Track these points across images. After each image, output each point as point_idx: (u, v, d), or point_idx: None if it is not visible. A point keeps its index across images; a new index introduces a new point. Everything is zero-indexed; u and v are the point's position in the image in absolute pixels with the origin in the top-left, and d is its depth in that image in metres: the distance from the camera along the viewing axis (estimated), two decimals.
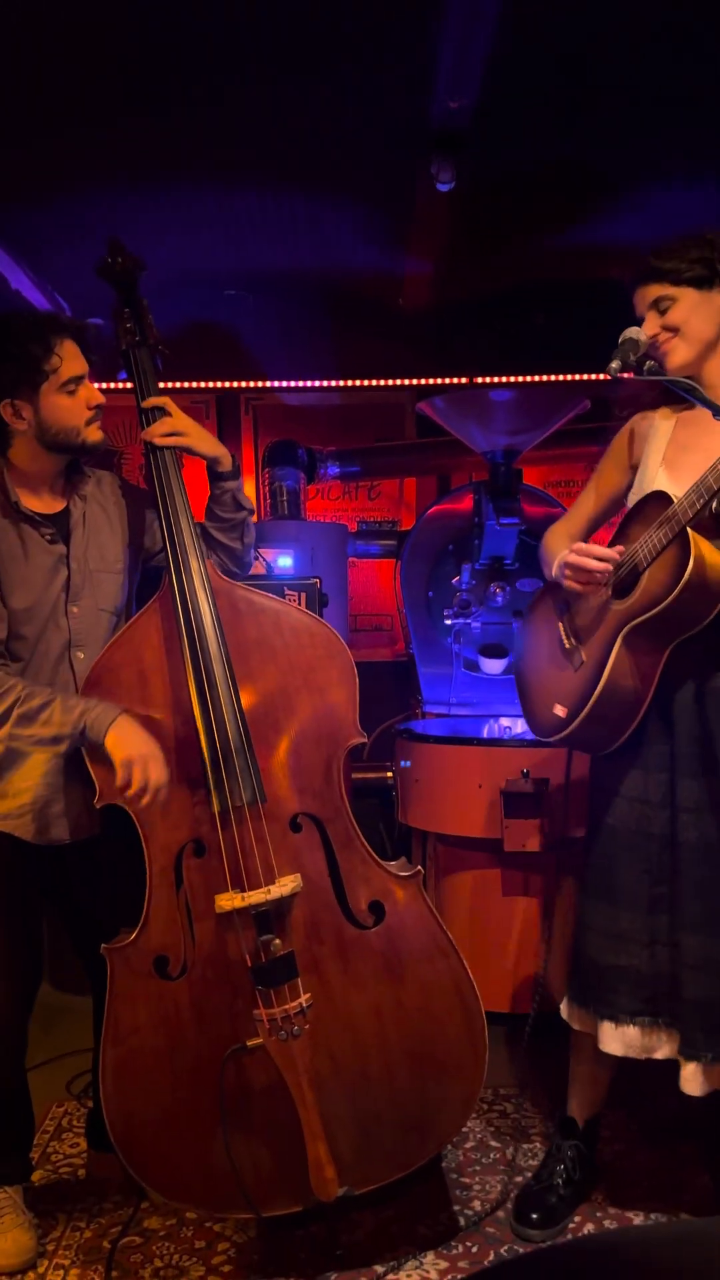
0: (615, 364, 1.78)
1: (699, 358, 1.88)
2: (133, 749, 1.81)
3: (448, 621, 3.47)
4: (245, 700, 1.89)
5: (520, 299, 4.00)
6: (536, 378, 4.06)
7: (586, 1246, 0.69)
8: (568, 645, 1.98)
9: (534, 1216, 2.01)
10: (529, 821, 2.67)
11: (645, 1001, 1.89)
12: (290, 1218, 1.90)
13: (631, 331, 1.84)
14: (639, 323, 1.90)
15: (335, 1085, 1.83)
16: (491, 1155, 2.29)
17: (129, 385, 2.09)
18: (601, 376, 2.53)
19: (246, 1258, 1.96)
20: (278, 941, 1.78)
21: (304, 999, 1.80)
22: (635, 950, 1.89)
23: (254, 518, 2.21)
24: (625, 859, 1.90)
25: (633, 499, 1.95)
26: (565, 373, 4.07)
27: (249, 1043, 1.79)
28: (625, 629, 1.81)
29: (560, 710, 1.92)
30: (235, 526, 2.13)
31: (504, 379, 4.04)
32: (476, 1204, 2.11)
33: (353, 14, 2.23)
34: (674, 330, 1.87)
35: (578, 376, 4.06)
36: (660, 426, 1.98)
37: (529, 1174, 2.16)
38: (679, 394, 1.88)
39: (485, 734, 3.28)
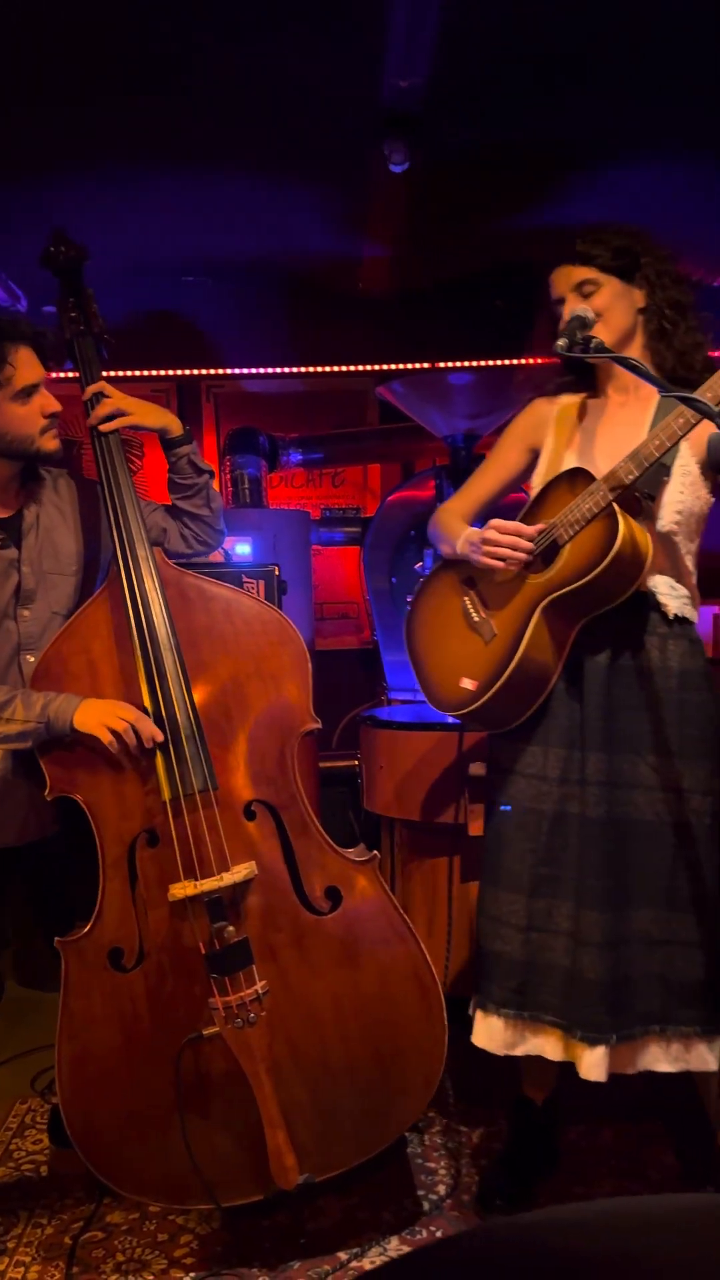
0: (563, 342, 1.77)
1: (615, 347, 1.87)
2: (105, 713, 1.81)
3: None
4: (196, 688, 1.87)
5: (480, 282, 3.99)
6: (497, 361, 4.04)
7: (536, 1223, 0.68)
8: (476, 618, 1.95)
9: (497, 1200, 2.01)
10: None
11: (514, 991, 1.87)
12: (254, 1206, 1.89)
13: (579, 309, 1.83)
14: (557, 303, 1.91)
15: (293, 1072, 1.82)
16: (457, 1139, 2.29)
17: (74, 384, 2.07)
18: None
19: (209, 1249, 1.95)
20: (231, 928, 1.77)
21: (260, 986, 1.79)
22: (509, 934, 1.88)
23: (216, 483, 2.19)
24: (512, 837, 1.90)
25: (538, 480, 1.95)
26: (525, 356, 4.06)
27: (205, 1031, 1.78)
28: (544, 601, 1.81)
29: (469, 683, 1.90)
30: (199, 491, 2.11)
31: (465, 363, 4.02)
32: (441, 1188, 2.11)
33: None
34: (596, 316, 1.86)
35: (538, 360, 4.06)
36: (564, 411, 1.99)
37: (494, 1157, 2.16)
38: (582, 382, 1.96)
39: (449, 719, 3.27)
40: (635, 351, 1.89)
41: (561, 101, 2.75)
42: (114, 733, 1.79)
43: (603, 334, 1.85)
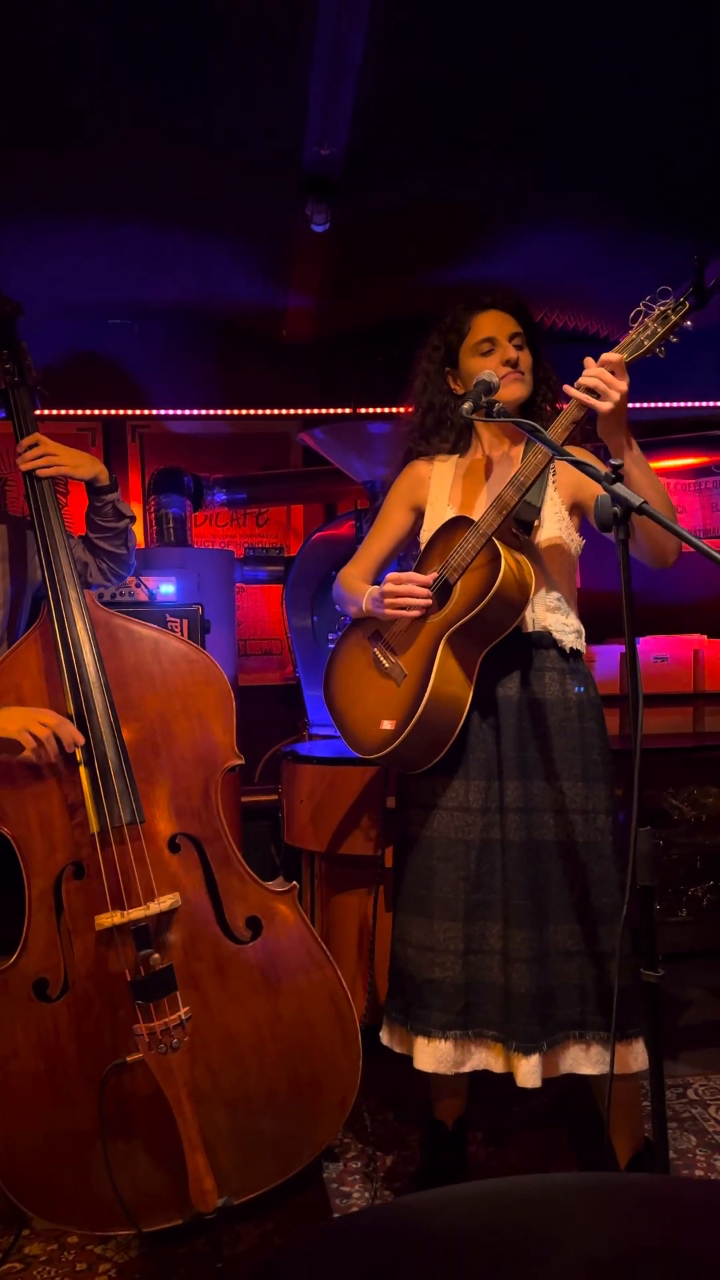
0: (468, 405, 1.90)
1: (519, 406, 2.05)
2: (27, 719, 1.86)
3: (332, 645, 3.56)
4: (124, 726, 1.94)
5: (401, 331, 4.13)
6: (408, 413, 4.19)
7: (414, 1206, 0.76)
8: (386, 664, 2.07)
9: None
10: None
11: (458, 1014, 1.96)
12: (172, 1233, 1.93)
13: (485, 374, 1.98)
14: (458, 335, 2.08)
15: (213, 1096, 1.88)
16: (372, 1164, 2.36)
17: (7, 420, 2.13)
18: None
19: (128, 1278, 1.98)
20: (156, 955, 1.83)
21: (183, 1012, 1.85)
22: (449, 961, 1.97)
23: (139, 543, 2.29)
24: (442, 869, 2.00)
25: (425, 535, 2.10)
26: (400, 420, 4.23)
27: (129, 1058, 1.83)
28: (447, 633, 1.94)
29: (388, 724, 2.00)
30: (119, 534, 2.22)
31: (385, 409, 4.17)
32: (356, 1211, 2.17)
33: (222, 58, 2.32)
34: (521, 371, 2.03)
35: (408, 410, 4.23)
36: (440, 470, 2.14)
37: (407, 1179, 2.24)
38: (459, 442, 2.16)
39: None
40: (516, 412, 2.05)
41: (474, 165, 2.91)
42: (36, 739, 1.84)
43: (522, 387, 2.03)
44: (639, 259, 3.54)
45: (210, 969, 1.91)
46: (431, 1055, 1.97)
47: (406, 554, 2.28)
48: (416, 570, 2.05)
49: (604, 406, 1.72)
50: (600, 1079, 1.95)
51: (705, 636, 3.66)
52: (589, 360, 1.74)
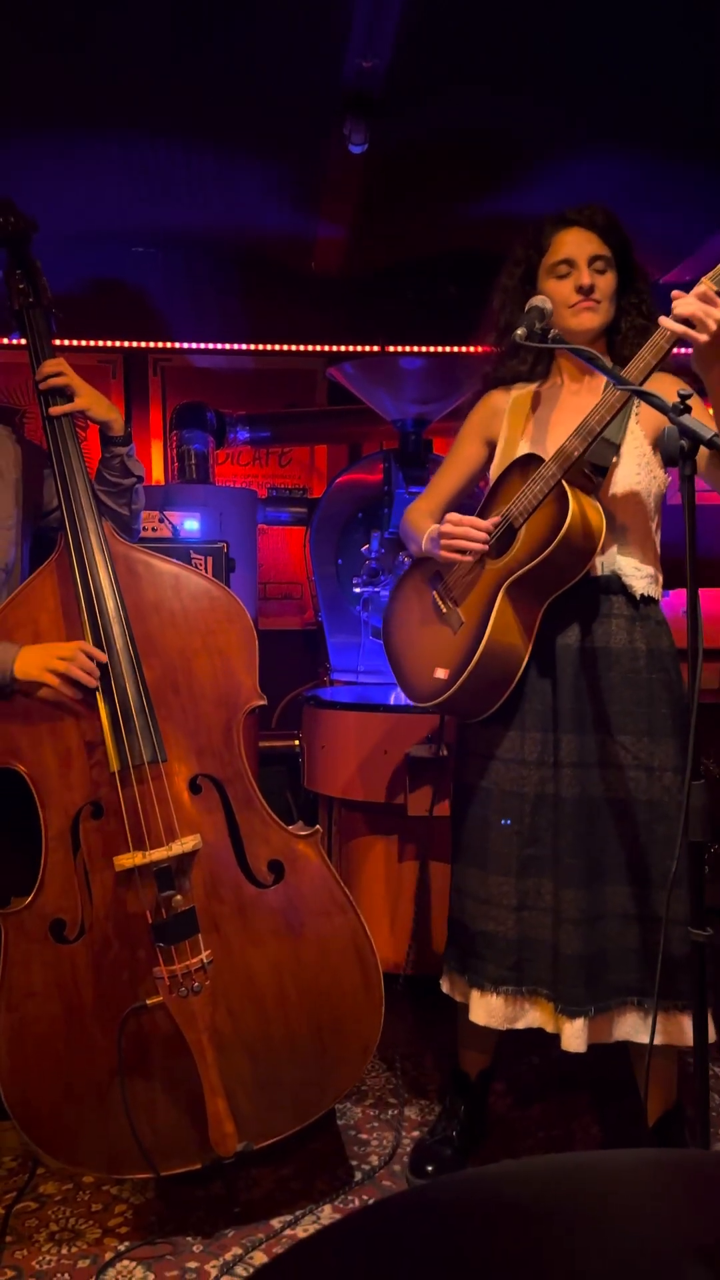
0: (521, 331, 1.79)
1: (596, 333, 1.92)
2: (46, 657, 1.80)
3: (356, 590, 3.48)
4: (144, 662, 1.87)
5: (434, 268, 4.00)
6: (448, 348, 4.07)
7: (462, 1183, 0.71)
8: (444, 610, 1.98)
9: (428, 1169, 2.06)
10: (432, 787, 2.70)
11: (511, 969, 1.91)
12: (189, 1177, 1.90)
13: (537, 300, 1.86)
14: (538, 252, 1.93)
15: (234, 1040, 1.84)
16: (390, 1112, 2.33)
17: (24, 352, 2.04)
18: None
19: (143, 1219, 1.96)
20: (179, 897, 1.78)
21: (205, 955, 1.80)
22: (502, 915, 1.91)
23: (149, 482, 2.20)
24: (497, 821, 1.93)
25: (495, 471, 1.99)
26: (477, 344, 4.10)
27: (149, 1001, 1.78)
28: (506, 582, 1.84)
29: (442, 673, 1.92)
30: (124, 492, 2.10)
31: (416, 348, 4.04)
32: (374, 1159, 2.15)
33: None
34: (596, 299, 1.89)
35: (490, 349, 4.09)
36: (517, 400, 2.02)
37: (426, 1129, 2.21)
38: (535, 371, 1.99)
39: (392, 701, 3.31)
40: (594, 340, 1.92)
41: (520, 90, 2.77)
42: (60, 675, 1.79)
43: (591, 321, 1.89)
44: (689, 194, 3.38)
45: (232, 912, 1.86)
46: (484, 1009, 1.92)
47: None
48: (481, 510, 1.94)
49: (701, 338, 1.57)
50: (640, 1050, 1.89)
51: None
52: (677, 292, 1.61)
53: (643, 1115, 1.97)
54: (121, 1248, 1.88)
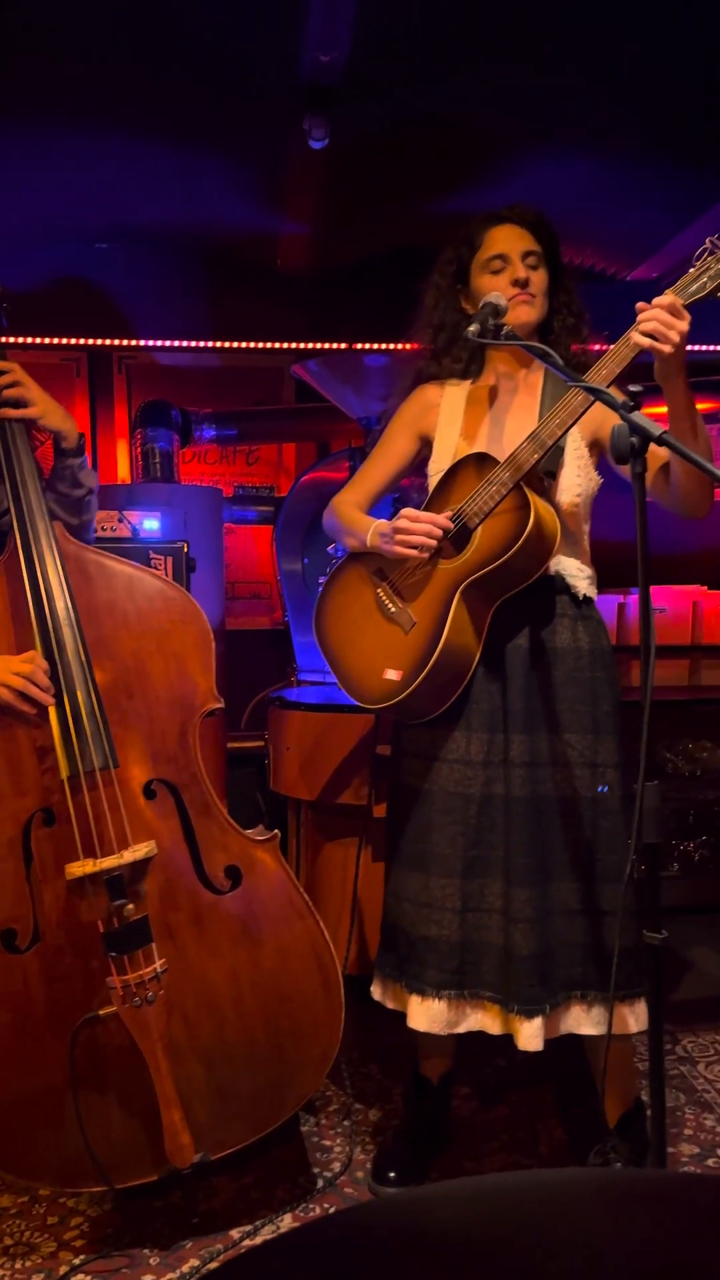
0: (474, 328, 1.77)
1: (528, 332, 1.92)
2: (1, 670, 1.76)
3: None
4: (96, 665, 1.83)
5: (398, 264, 3.97)
6: (413, 346, 4.04)
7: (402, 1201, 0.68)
8: (392, 608, 1.95)
9: (391, 1174, 2.03)
10: None
11: (453, 973, 1.89)
12: (147, 1187, 1.87)
13: (492, 296, 1.85)
14: (470, 249, 1.95)
15: (189, 1050, 1.81)
16: (353, 1118, 2.31)
17: None
18: None
19: (100, 1231, 1.93)
20: (130, 906, 1.75)
21: (158, 964, 1.77)
22: (445, 918, 1.89)
23: (115, 480, 2.15)
24: (440, 823, 1.91)
25: (435, 467, 1.97)
26: (408, 341, 4.07)
27: (101, 1011, 1.75)
28: (463, 584, 1.82)
29: (394, 674, 1.89)
30: (75, 503, 2.05)
31: (381, 345, 4.01)
32: (336, 1165, 2.12)
33: None
34: (531, 293, 1.89)
35: (420, 346, 4.07)
36: (451, 396, 2.01)
37: (388, 1134, 2.19)
38: (469, 368, 2.00)
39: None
40: (529, 337, 1.91)
41: (477, 84, 2.75)
42: (15, 692, 1.75)
43: (528, 315, 1.89)
44: (654, 191, 3.38)
45: (187, 920, 1.83)
46: (425, 1015, 1.89)
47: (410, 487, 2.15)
48: (428, 506, 1.91)
49: (665, 349, 1.59)
50: (596, 1039, 1.88)
51: (705, 588, 3.55)
52: (641, 304, 1.61)
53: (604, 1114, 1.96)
54: (77, 1261, 1.84)
